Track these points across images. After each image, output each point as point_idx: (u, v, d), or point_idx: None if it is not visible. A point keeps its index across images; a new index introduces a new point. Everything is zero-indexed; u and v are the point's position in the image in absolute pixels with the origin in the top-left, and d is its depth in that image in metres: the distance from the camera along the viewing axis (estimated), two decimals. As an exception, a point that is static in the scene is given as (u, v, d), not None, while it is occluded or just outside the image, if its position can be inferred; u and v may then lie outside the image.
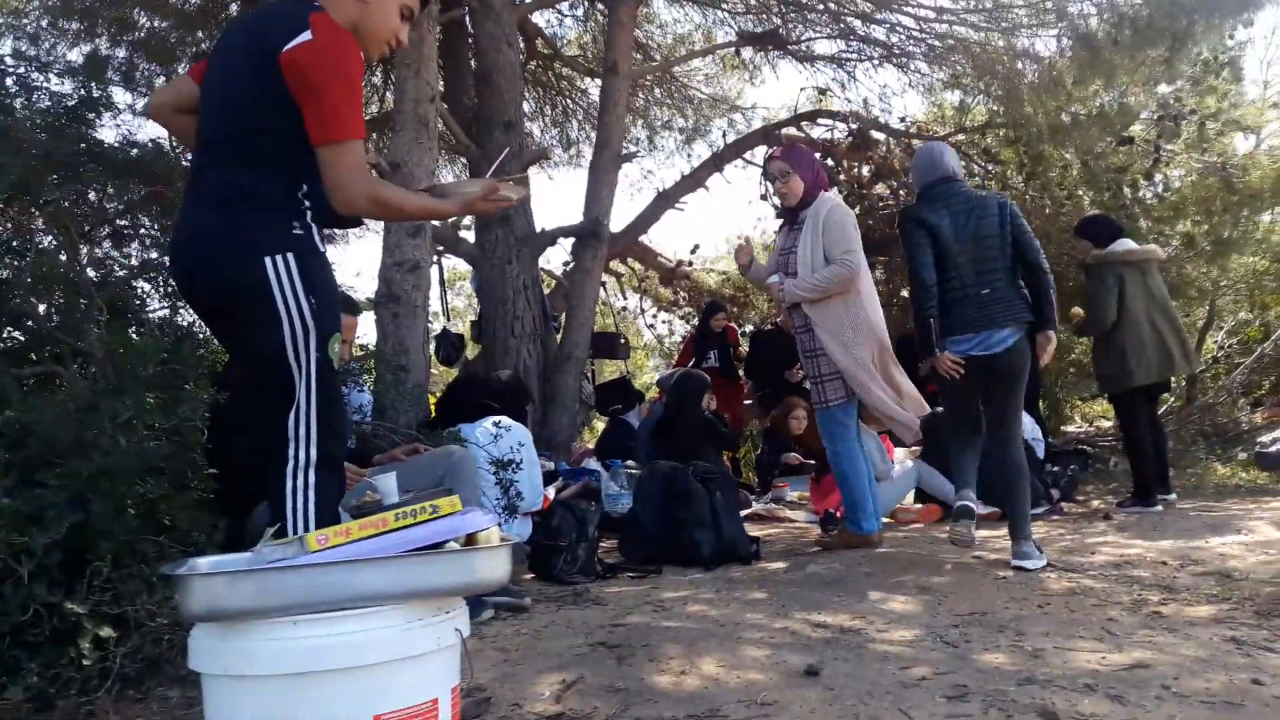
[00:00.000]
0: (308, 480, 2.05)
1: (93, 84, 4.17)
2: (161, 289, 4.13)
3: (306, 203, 2.16)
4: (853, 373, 4.25)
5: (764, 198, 9.84)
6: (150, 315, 4.06)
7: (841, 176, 9.39)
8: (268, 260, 2.05)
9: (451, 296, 14.54)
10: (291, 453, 2.05)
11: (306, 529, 1.94)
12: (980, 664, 2.37)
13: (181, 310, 4.11)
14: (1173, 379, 5.90)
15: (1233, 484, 6.68)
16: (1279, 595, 2.93)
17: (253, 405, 2.20)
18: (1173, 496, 5.59)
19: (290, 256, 2.07)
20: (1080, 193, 8.39)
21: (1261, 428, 8.42)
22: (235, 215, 2.09)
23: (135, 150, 4.27)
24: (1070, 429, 10.45)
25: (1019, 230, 3.90)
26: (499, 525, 2.34)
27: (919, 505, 5.79)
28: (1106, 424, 9.91)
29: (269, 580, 1.42)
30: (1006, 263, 3.88)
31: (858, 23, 8.55)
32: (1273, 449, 7.18)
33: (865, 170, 9.35)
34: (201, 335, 3.83)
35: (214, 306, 2.22)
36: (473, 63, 7.26)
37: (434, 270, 6.81)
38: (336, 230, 10.39)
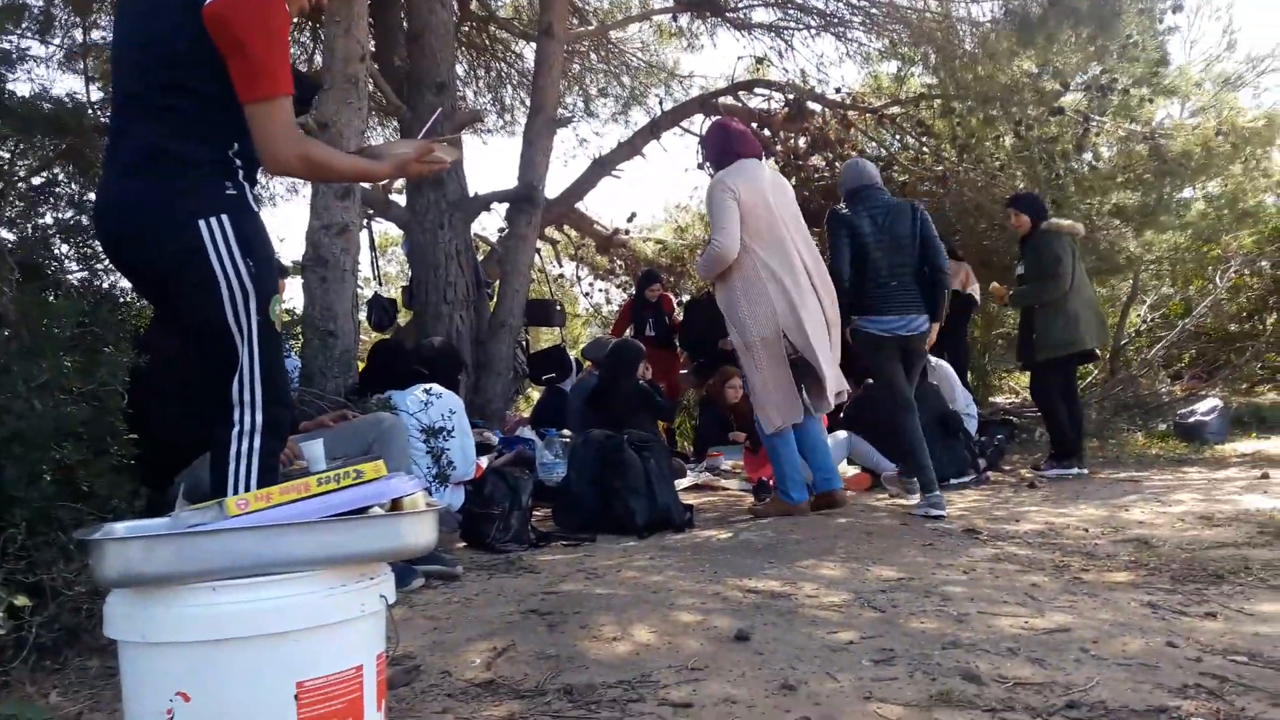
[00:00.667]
0: (253, 445, 2.01)
1: (4, 34, 3.96)
2: (80, 250, 3.97)
3: (238, 162, 2.07)
4: (741, 354, 4.42)
5: (700, 166, 9.84)
6: (68, 276, 3.90)
7: (778, 147, 9.41)
8: (202, 223, 1.97)
9: (383, 261, 14.29)
10: (237, 418, 2.01)
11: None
12: (906, 628, 2.40)
13: (101, 272, 3.96)
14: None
15: (1153, 454, 6.90)
16: (1194, 561, 3.04)
17: (193, 373, 2.14)
18: (1085, 471, 5.77)
19: (225, 218, 1.99)
20: (1013, 166, 8.52)
21: (1181, 400, 8.72)
22: (164, 178, 2.00)
23: (50, 105, 4.08)
24: (998, 399, 10.70)
25: (928, 234, 4.54)
26: (429, 493, 2.30)
27: (849, 474, 5.87)
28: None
29: (187, 545, 1.37)
30: (915, 261, 4.51)
31: (795, -10, 8.56)
32: (1191, 420, 7.45)
33: (801, 142, 9.38)
34: (123, 298, 3.69)
35: (146, 273, 2.13)
36: (405, 22, 7.07)
37: (364, 234, 6.66)
38: (264, 190, 10.13)
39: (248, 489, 1.94)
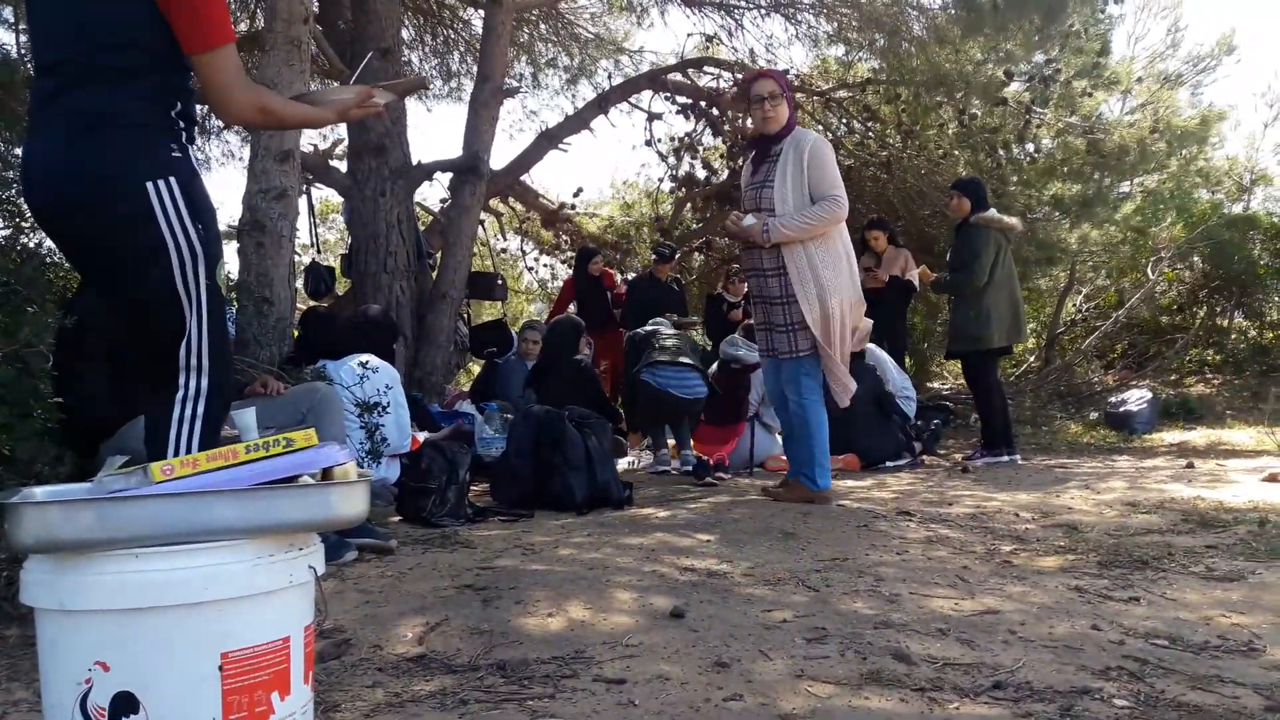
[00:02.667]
0: (196, 410, 1.96)
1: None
2: (3, 207, 3.80)
3: (181, 123, 1.99)
4: (818, 323, 4.06)
5: (648, 143, 9.80)
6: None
7: (726, 127, 9.41)
8: (150, 186, 1.89)
9: (323, 229, 14.02)
10: (183, 382, 1.96)
11: None
12: (839, 608, 2.42)
13: (27, 230, 3.80)
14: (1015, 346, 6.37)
15: (1085, 442, 7.09)
16: (1120, 547, 3.11)
17: (132, 338, 2.06)
18: (1018, 457, 5.90)
19: (173, 180, 1.91)
20: (956, 153, 8.64)
21: (1113, 389, 8.96)
22: (107, 141, 1.90)
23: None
24: (935, 384, 10.90)
25: None
26: (359, 464, 2.24)
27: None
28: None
29: (109, 510, 1.31)
30: None
31: (747, -32, 8.53)
32: (1121, 410, 7.67)
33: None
34: (50, 257, 3.55)
35: (86, 239, 2.00)
36: (350, -16, 6.90)
37: (303, 200, 6.50)
38: (199, 153, 9.84)
39: (189, 452, 1.89)
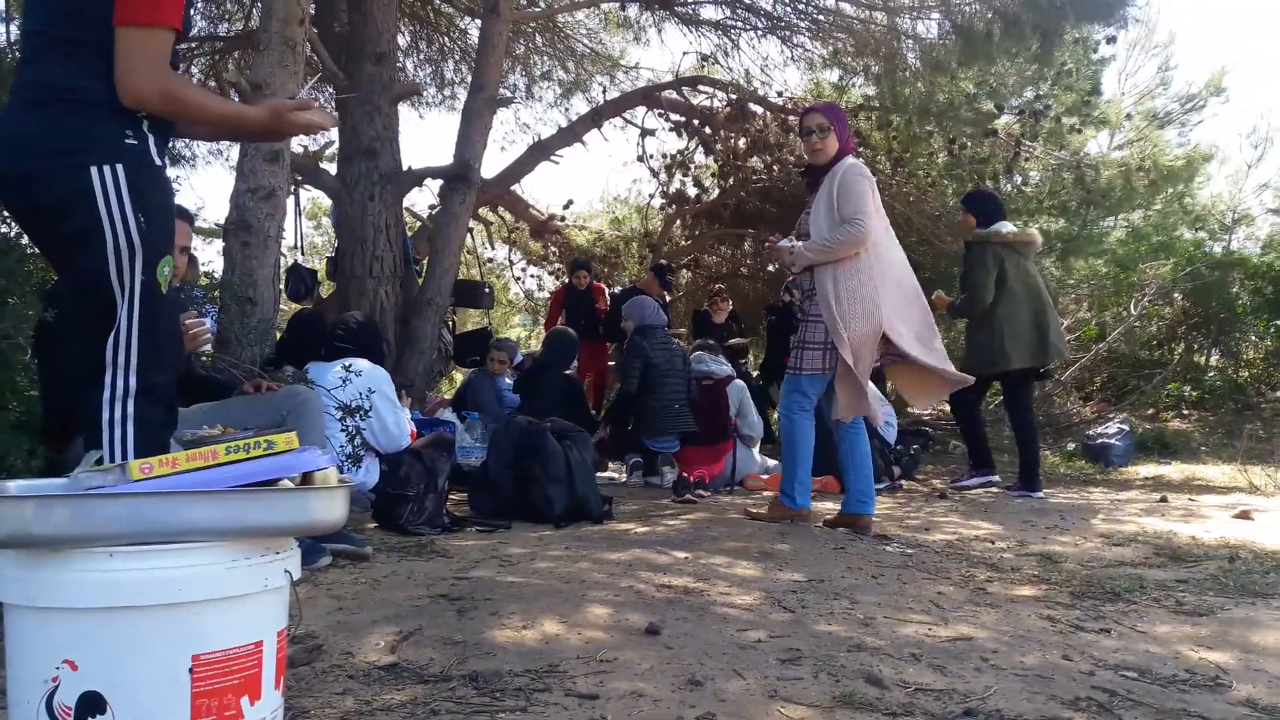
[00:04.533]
0: (125, 411, 1.90)
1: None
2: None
3: (143, 110, 1.96)
4: (845, 343, 3.94)
5: (640, 159, 9.85)
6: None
7: (718, 146, 9.46)
8: (94, 170, 1.86)
9: (310, 231, 13.96)
10: (109, 380, 1.90)
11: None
12: (814, 629, 2.43)
13: (6, 220, 3.78)
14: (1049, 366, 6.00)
15: (1062, 472, 7.12)
16: (1093, 578, 3.13)
17: (74, 326, 2.02)
18: (997, 478, 5.87)
19: (120, 168, 1.89)
20: (944, 182, 8.72)
21: (1091, 421, 9.03)
22: (57, 118, 1.89)
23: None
24: (914, 410, 10.93)
25: None
26: (339, 469, 2.23)
27: (765, 475, 5.94)
28: (947, 407, 10.43)
29: (86, 507, 1.30)
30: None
31: (744, -10, 8.60)
32: (1098, 442, 7.73)
33: (741, 142, 9.44)
34: (30, 248, 3.52)
35: (31, 216, 2.01)
36: (347, -12, 6.91)
37: (290, 201, 6.48)
38: (184, 142, 9.78)
39: (124, 457, 1.85)
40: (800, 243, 4.08)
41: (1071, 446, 8.28)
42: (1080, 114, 8.88)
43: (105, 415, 1.88)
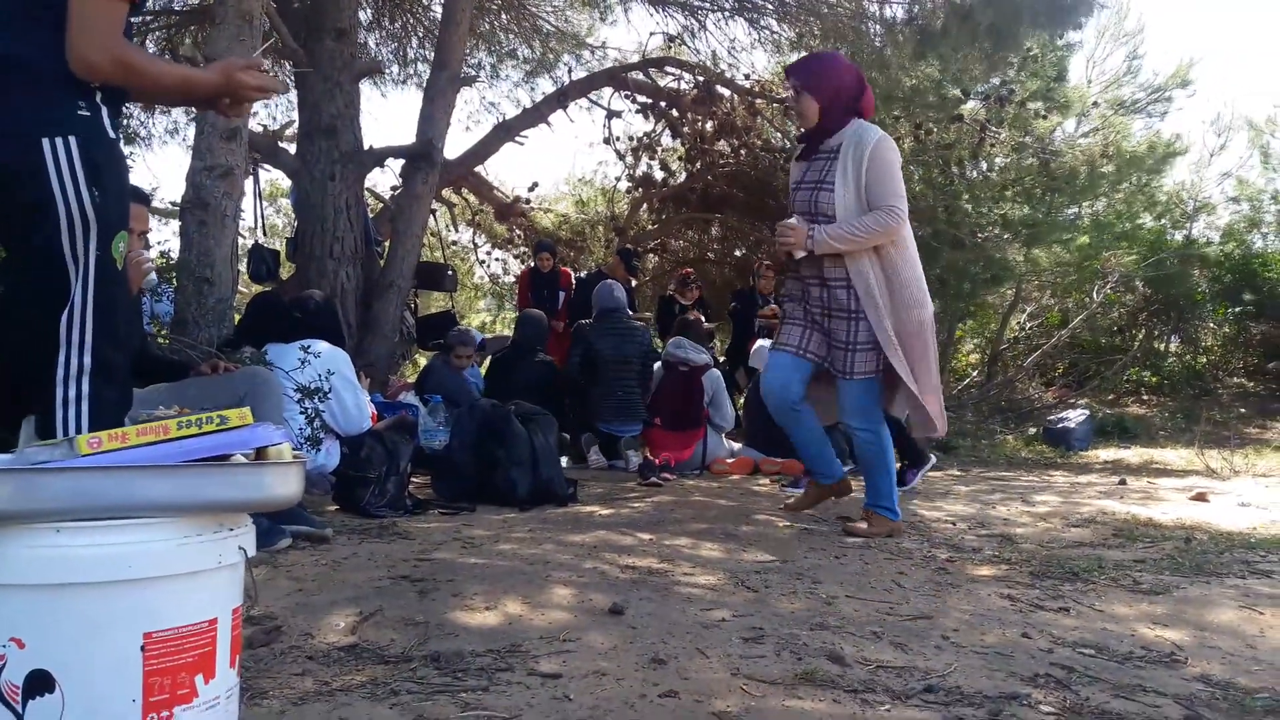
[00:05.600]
0: (80, 389, 1.85)
1: None
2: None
3: (96, 82, 1.90)
4: (888, 342, 3.48)
5: (606, 141, 9.80)
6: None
7: (685, 129, 9.44)
8: (45, 143, 1.81)
9: (271, 212, 13.76)
10: (63, 358, 1.84)
11: None
12: (777, 609, 2.43)
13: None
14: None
15: (1023, 456, 7.22)
16: (1052, 559, 3.17)
17: (25, 304, 1.96)
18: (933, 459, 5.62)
19: (73, 140, 1.83)
20: (910, 168, 8.76)
21: (1052, 406, 9.15)
22: (7, 91, 1.83)
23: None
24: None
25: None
26: (295, 449, 2.20)
27: (731, 459, 5.96)
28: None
29: (31, 481, 1.26)
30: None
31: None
32: (1060, 426, 7.85)
33: (709, 125, 9.42)
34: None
35: None
36: (308, -38, 6.79)
37: (249, 180, 6.37)
38: (139, 120, 9.57)
39: (78, 434, 1.81)
40: (821, 227, 3.48)
41: (1033, 431, 8.39)
42: (1045, 99, 8.95)
43: (59, 394, 1.83)
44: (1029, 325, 11.61)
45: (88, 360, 1.86)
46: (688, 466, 5.80)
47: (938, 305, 10.43)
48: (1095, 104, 10.52)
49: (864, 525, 3.63)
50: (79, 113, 1.87)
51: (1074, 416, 8.00)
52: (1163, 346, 11.20)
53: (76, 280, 1.86)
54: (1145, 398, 10.24)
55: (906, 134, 8.90)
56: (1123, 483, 5.44)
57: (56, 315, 1.85)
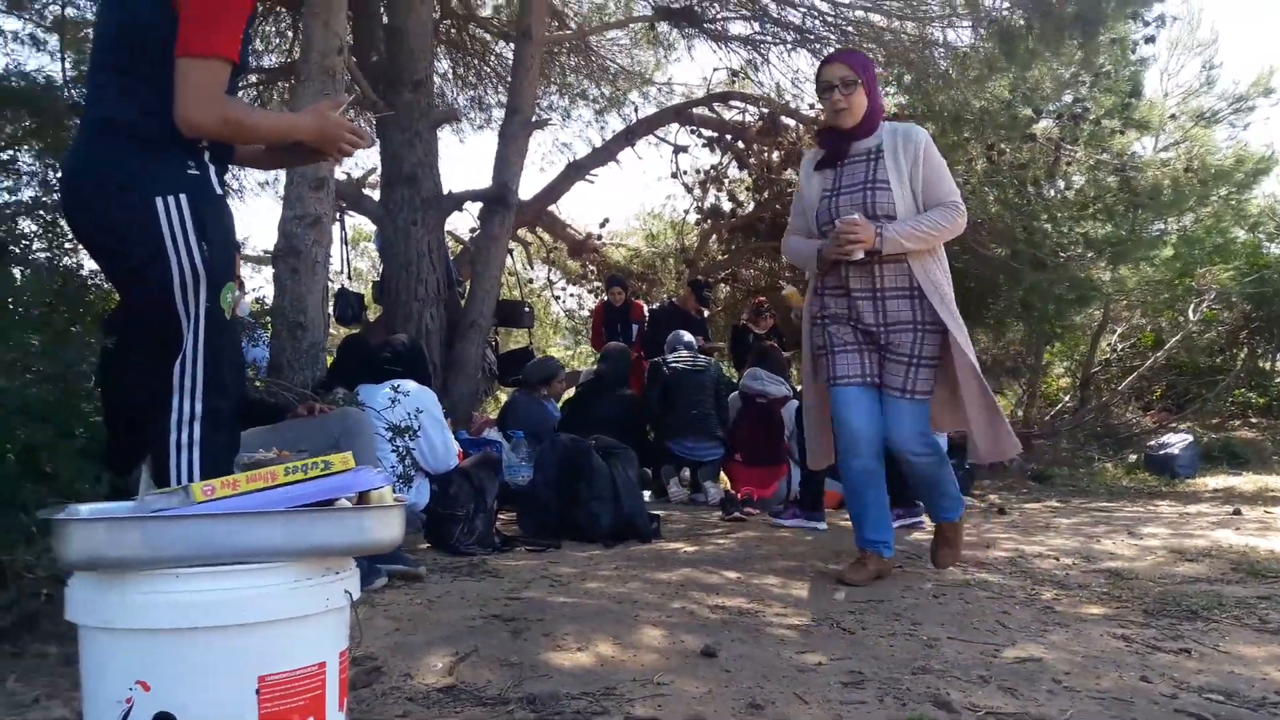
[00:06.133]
0: (192, 435, 1.91)
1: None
2: (46, 229, 3.87)
3: (204, 142, 1.99)
4: (966, 350, 3.20)
5: (674, 176, 9.86)
6: (36, 256, 3.79)
7: (751, 160, 9.44)
8: (159, 200, 1.89)
9: (356, 256, 14.15)
10: (175, 404, 1.91)
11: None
12: (875, 651, 2.37)
13: (70, 251, 3.86)
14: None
15: (1124, 485, 6.94)
16: (1167, 595, 3.02)
17: (139, 353, 2.04)
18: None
19: (184, 198, 1.91)
20: (984, 190, 8.59)
21: (1151, 431, 8.80)
22: (122, 151, 1.92)
23: (20, 80, 3.97)
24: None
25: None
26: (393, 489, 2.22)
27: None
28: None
29: (154, 529, 1.31)
30: None
31: (772, 5, 8.54)
32: (1162, 453, 7.54)
33: (775, 155, 9.41)
34: (91, 279, 3.60)
35: (100, 246, 2.05)
36: (384, 18, 7.01)
37: (336, 227, 6.56)
38: (234, 180, 9.95)
39: (190, 480, 1.86)
40: (887, 223, 3.14)
41: (1133, 458, 8.07)
42: (1121, 116, 8.71)
43: (172, 439, 1.90)
44: (1120, 346, 11.22)
45: (199, 406, 1.92)
46: (772, 503, 5.70)
47: (1022, 328, 10.23)
48: (1173, 116, 10.19)
49: (950, 550, 3.37)
50: (189, 172, 1.95)
51: (1177, 442, 7.67)
52: (1268, 366, 10.66)
53: (188, 330, 1.93)
54: (1253, 420, 9.76)
55: (978, 155, 8.74)
56: (1237, 512, 5.17)
57: (170, 364, 1.92)
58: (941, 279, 3.24)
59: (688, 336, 6.53)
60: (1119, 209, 8.73)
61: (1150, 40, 8.08)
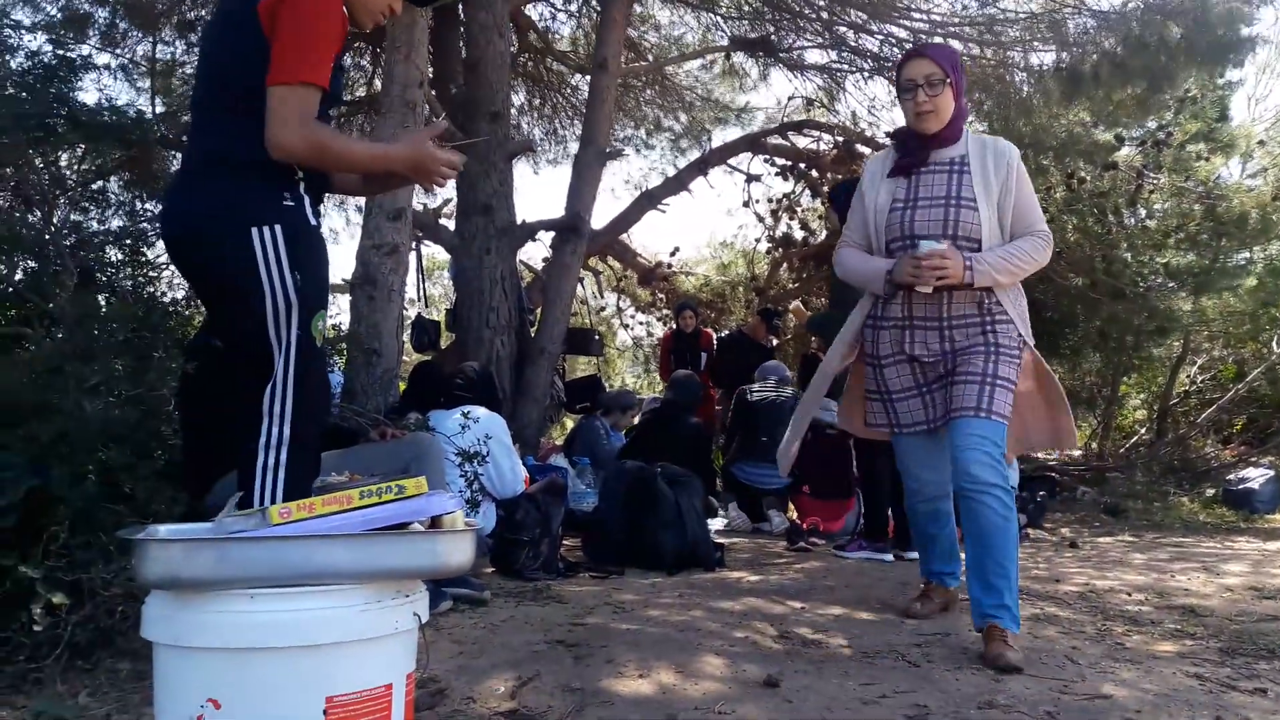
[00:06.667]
0: (279, 458, 1.98)
1: (70, 44, 4.09)
2: (132, 257, 4.06)
3: (300, 173, 2.08)
4: (1039, 358, 3.01)
5: (746, 205, 9.88)
6: (122, 283, 3.98)
7: (825, 188, 9.41)
8: (255, 231, 1.98)
9: (429, 284, 14.45)
10: (265, 428, 1.99)
11: None
12: (942, 685, 2.34)
13: (154, 278, 4.05)
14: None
15: (1201, 520, 6.72)
16: (1243, 634, 2.93)
17: (230, 378, 2.14)
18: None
19: (278, 229, 2.00)
20: (1064, 218, 8.44)
21: (1230, 465, 8.50)
22: (220, 183, 2.03)
23: (113, 114, 4.18)
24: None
25: None
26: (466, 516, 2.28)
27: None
28: (1076, 452, 9.98)
29: (230, 550, 1.37)
30: None
31: (850, 33, 8.54)
32: (1241, 488, 7.27)
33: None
34: (173, 306, 3.77)
35: (197, 275, 2.17)
36: (463, 51, 7.20)
37: (412, 256, 6.73)
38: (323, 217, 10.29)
39: (274, 502, 1.94)
40: (977, 255, 2.79)
41: (1211, 492, 7.79)
42: (1207, 141, 8.47)
43: (259, 461, 1.97)
44: (1200, 379, 10.85)
45: (286, 431, 1.99)
46: (840, 536, 5.63)
47: (1098, 358, 9.96)
48: (1261, 142, 9.87)
49: (1010, 652, 2.53)
50: (284, 203, 2.05)
51: (1256, 476, 7.39)
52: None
53: (279, 357, 2.01)
54: (1339, 456, 9.34)
55: (1058, 183, 8.59)
56: (1319, 550, 4.98)
57: (260, 389, 2.00)
58: (1025, 309, 2.94)
59: (783, 370, 6.55)
60: (1202, 237, 8.48)
61: (1238, 64, 7.87)
